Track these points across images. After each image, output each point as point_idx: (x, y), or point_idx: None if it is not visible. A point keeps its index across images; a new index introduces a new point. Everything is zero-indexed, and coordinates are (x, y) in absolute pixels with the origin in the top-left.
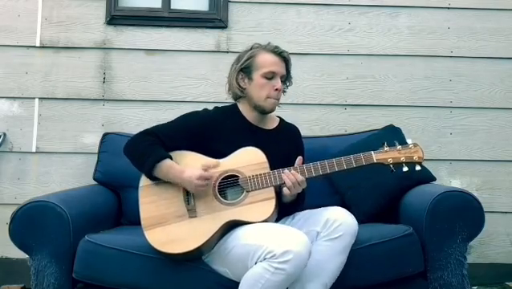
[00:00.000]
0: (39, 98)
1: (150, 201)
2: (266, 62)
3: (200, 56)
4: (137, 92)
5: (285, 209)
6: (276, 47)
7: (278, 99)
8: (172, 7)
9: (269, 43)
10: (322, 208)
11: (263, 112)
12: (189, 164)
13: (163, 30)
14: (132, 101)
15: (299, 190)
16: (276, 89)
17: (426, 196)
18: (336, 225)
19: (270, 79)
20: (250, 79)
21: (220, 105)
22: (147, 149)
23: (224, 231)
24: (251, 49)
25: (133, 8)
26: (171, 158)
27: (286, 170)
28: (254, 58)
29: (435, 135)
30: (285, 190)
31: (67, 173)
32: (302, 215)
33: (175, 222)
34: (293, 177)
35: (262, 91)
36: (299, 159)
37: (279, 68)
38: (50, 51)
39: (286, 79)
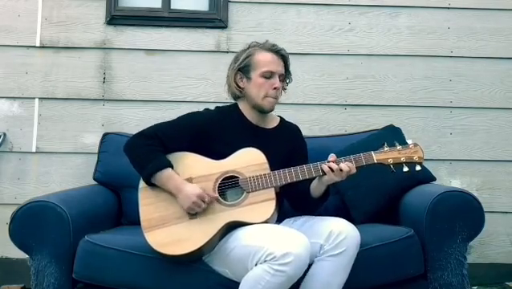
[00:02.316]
0: (39, 98)
1: (150, 203)
2: (264, 61)
3: (200, 56)
4: (137, 92)
5: (311, 203)
6: (273, 45)
7: (277, 98)
8: (172, 7)
9: (266, 41)
10: (323, 217)
11: (262, 112)
12: (190, 166)
13: (163, 30)
14: (132, 101)
15: (343, 177)
16: (274, 88)
17: (426, 196)
18: (340, 239)
19: (268, 78)
20: (249, 78)
21: (220, 105)
22: (147, 155)
23: (224, 232)
24: (248, 48)
25: (133, 8)
26: (172, 167)
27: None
28: (252, 57)
29: (435, 135)
30: (324, 178)
31: (67, 173)
32: (304, 222)
33: (175, 224)
34: (335, 165)
35: (260, 90)
36: (332, 156)
37: (277, 67)
38: (50, 51)
39: (286, 76)
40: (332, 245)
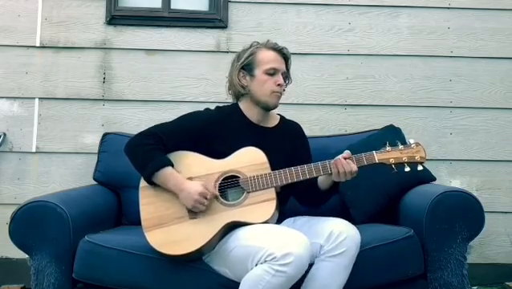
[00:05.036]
0: (39, 98)
1: (150, 202)
2: (268, 58)
3: (200, 56)
4: (137, 92)
5: (319, 196)
6: (276, 44)
7: (281, 94)
8: (172, 7)
9: (268, 41)
10: (324, 218)
11: (267, 108)
12: (191, 165)
13: (163, 30)
14: (132, 101)
15: (348, 178)
16: (278, 84)
17: (426, 196)
18: (341, 240)
19: (271, 74)
20: (252, 76)
21: (220, 105)
22: (148, 154)
23: (224, 232)
24: (251, 47)
25: (133, 8)
26: (172, 165)
27: (339, 157)
28: (255, 55)
29: (435, 135)
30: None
31: (67, 173)
32: (304, 223)
33: (175, 223)
34: (347, 165)
35: (265, 86)
36: (347, 152)
37: (280, 64)
38: (50, 51)
39: (286, 76)
40: (332, 245)
